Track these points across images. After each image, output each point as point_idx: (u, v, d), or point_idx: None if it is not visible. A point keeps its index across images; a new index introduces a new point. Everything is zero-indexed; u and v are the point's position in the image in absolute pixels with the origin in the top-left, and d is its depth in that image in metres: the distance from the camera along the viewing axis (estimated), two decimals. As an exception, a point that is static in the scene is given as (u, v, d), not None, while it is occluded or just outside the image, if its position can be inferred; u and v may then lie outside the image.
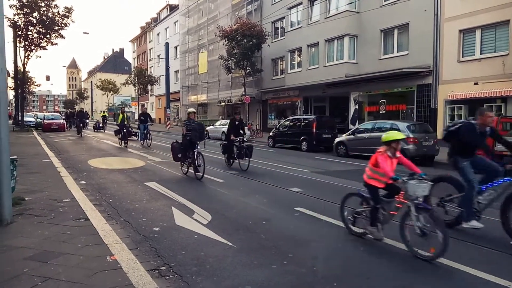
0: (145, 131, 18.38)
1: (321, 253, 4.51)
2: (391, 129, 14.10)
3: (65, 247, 4.21)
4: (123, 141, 17.77)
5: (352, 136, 15.60)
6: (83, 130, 25.59)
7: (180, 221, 5.59)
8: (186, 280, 3.64)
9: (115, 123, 33.53)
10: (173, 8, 51.60)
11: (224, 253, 4.37)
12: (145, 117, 18.87)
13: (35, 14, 27.82)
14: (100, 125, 31.46)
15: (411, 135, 13.28)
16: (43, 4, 27.81)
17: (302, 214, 6.22)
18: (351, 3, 21.60)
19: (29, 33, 28.33)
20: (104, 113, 38.25)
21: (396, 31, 20.56)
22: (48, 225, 5.02)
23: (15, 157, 5.60)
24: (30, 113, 49.16)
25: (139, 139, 19.87)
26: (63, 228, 4.89)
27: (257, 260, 4.20)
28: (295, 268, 4.00)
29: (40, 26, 28.15)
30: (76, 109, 70.47)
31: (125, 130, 17.82)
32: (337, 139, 16.53)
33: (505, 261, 4.38)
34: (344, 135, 16.34)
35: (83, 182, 8.52)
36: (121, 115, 18.90)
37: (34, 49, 29.05)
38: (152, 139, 18.48)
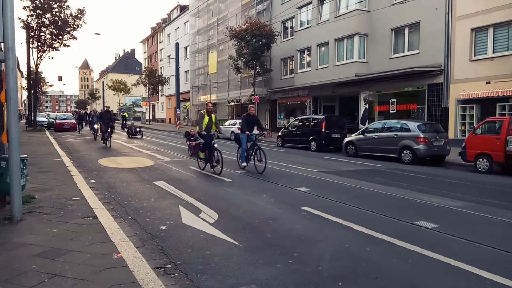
0: (248, 146, 10.76)
1: (327, 253, 4.49)
2: (401, 129, 14.04)
3: (73, 245, 4.26)
4: (209, 163, 10.31)
5: (361, 136, 15.50)
6: (111, 137, 17.68)
7: (187, 220, 5.61)
8: (191, 278, 3.66)
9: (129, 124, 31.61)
10: (183, 9, 51.91)
11: (229, 252, 4.37)
12: (251, 122, 10.87)
13: (48, 15, 28.27)
14: (137, 129, 24.47)
15: (421, 135, 13.14)
16: (55, 6, 28.26)
17: (309, 213, 6.19)
18: (360, 1, 21.47)
19: (41, 34, 28.81)
20: (124, 113, 34.45)
21: (407, 30, 20.36)
22: (56, 223, 5.09)
23: (25, 156, 5.68)
24: (43, 113, 49.89)
25: (215, 155, 10.24)
26: (72, 226, 4.95)
27: (262, 259, 4.19)
28: (300, 267, 3.98)
29: (53, 27, 28.60)
30: (91, 109, 70.31)
31: (215, 145, 10.17)
32: (346, 139, 16.43)
33: (515, 262, 4.30)
34: (353, 135, 16.23)
35: (93, 180, 8.62)
36: (206, 117, 10.12)
37: (46, 50, 29.54)
38: (266, 160, 10.26)
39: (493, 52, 16.70)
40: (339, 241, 4.88)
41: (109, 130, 17.27)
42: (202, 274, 3.75)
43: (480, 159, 11.67)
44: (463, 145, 12.29)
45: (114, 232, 4.71)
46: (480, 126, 12.27)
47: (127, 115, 38.17)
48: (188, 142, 14.46)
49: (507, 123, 11.28)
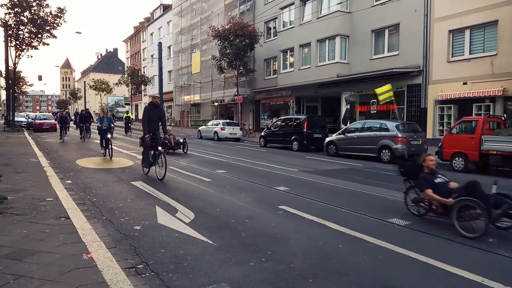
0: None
1: (300, 250, 4.53)
2: (380, 128, 14.25)
3: (42, 246, 4.19)
4: None
5: (342, 136, 15.67)
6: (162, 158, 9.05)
7: (163, 220, 5.58)
8: (162, 278, 3.64)
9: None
10: (166, 8, 51.49)
11: (203, 251, 4.37)
12: None
13: (26, 13, 27.68)
14: (180, 140, 15.58)
15: (399, 135, 13.36)
16: (34, 4, 27.68)
17: (286, 212, 6.23)
18: (341, 2, 21.69)
19: (20, 32, 28.19)
20: (128, 113, 28.35)
21: (386, 32, 20.66)
22: (27, 223, 4.99)
23: (-4, 156, 5.55)
24: (22, 113, 48.78)
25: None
26: (43, 227, 4.86)
27: (235, 257, 4.20)
28: (272, 265, 4.01)
29: (32, 25, 28.01)
30: (74, 108, 67.87)
31: None
32: (327, 139, 16.60)
33: (479, 257, 4.43)
34: (334, 135, 16.41)
35: (69, 181, 8.48)
36: None
37: (25, 48, 28.91)
38: None
39: (469, 54, 17.09)
40: (312, 239, 4.93)
41: (160, 148, 9.05)
42: (174, 274, 3.74)
43: (456, 158, 11.93)
44: (439, 145, 12.55)
45: (86, 233, 4.65)
46: (456, 126, 12.55)
47: (132, 117, 28.95)
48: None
49: (482, 122, 11.57)
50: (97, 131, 15.65)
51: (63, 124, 21.07)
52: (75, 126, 27.51)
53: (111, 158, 12.67)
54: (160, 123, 9.43)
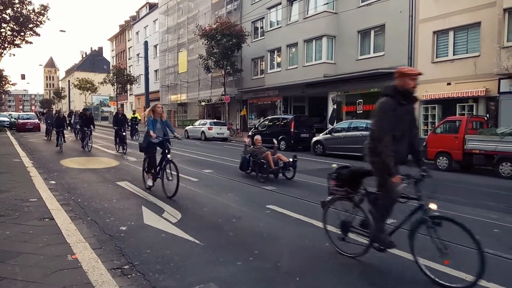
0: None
1: (288, 250, 4.54)
2: (366, 128, 14.37)
3: (25, 247, 4.11)
4: None
5: (329, 135, 15.79)
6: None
7: (149, 220, 5.53)
8: (148, 278, 3.61)
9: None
10: (152, 7, 51.05)
11: (190, 251, 4.35)
12: None
13: (9, 11, 27.12)
14: (290, 159, 9.80)
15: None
16: (17, 1, 27.14)
17: (273, 211, 6.25)
18: (327, 3, 21.83)
19: (2, 30, 27.60)
20: (135, 114, 24.62)
21: (372, 32, 20.86)
22: (10, 225, 4.89)
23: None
24: (4, 113, 47.78)
25: None
26: (26, 228, 4.77)
27: (222, 257, 4.20)
28: (260, 264, 4.02)
29: (14, 23, 27.45)
30: (57, 108, 66.84)
31: None
32: (314, 139, 16.70)
33: (462, 254, 4.49)
34: (321, 135, 16.52)
35: (53, 182, 8.34)
36: None
37: (7, 47, 28.32)
38: None
39: (453, 55, 17.37)
40: (300, 238, 4.95)
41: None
42: (160, 274, 3.71)
43: (440, 157, 12.13)
44: (424, 144, 12.73)
45: (70, 234, 4.58)
46: (440, 126, 12.76)
47: (139, 117, 24.06)
48: None
49: (465, 122, 11.80)
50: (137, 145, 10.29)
51: (60, 128, 15.79)
52: (69, 128, 23.15)
53: (172, 197, 6.97)
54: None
